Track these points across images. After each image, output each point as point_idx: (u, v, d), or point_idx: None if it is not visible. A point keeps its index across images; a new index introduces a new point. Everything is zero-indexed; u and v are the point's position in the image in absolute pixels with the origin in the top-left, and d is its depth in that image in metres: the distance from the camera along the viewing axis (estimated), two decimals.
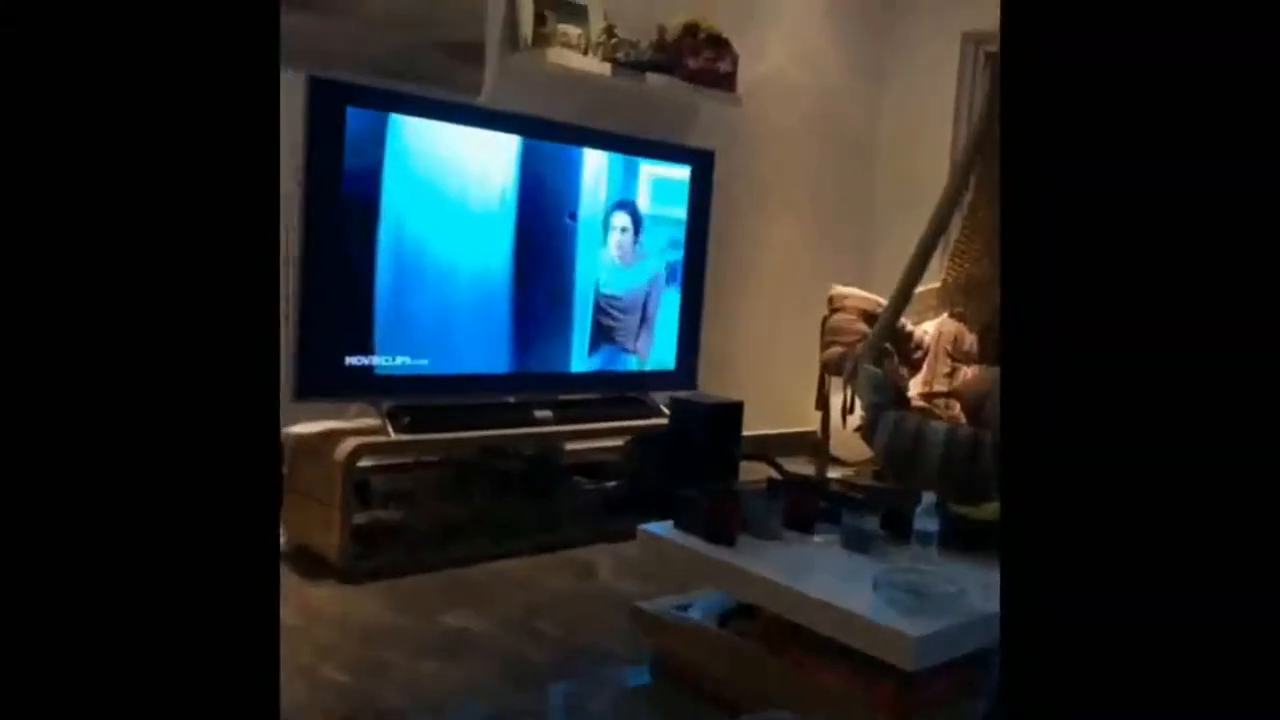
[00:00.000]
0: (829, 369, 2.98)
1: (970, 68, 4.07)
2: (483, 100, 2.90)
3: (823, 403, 3.08)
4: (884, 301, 2.95)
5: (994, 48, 3.61)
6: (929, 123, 4.11)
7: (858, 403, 2.75)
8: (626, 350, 3.12)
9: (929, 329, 3.05)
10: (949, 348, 3.00)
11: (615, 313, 3.08)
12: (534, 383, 2.90)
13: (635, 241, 3.10)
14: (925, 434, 2.46)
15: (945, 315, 3.06)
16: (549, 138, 2.87)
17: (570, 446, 3.00)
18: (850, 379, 2.77)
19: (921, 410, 2.80)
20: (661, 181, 3.16)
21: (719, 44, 3.43)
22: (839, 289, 3.13)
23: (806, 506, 2.04)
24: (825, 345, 3.03)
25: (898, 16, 4.21)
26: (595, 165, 2.97)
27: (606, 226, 3.02)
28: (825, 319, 3.08)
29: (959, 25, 3.99)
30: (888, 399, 2.66)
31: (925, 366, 3.01)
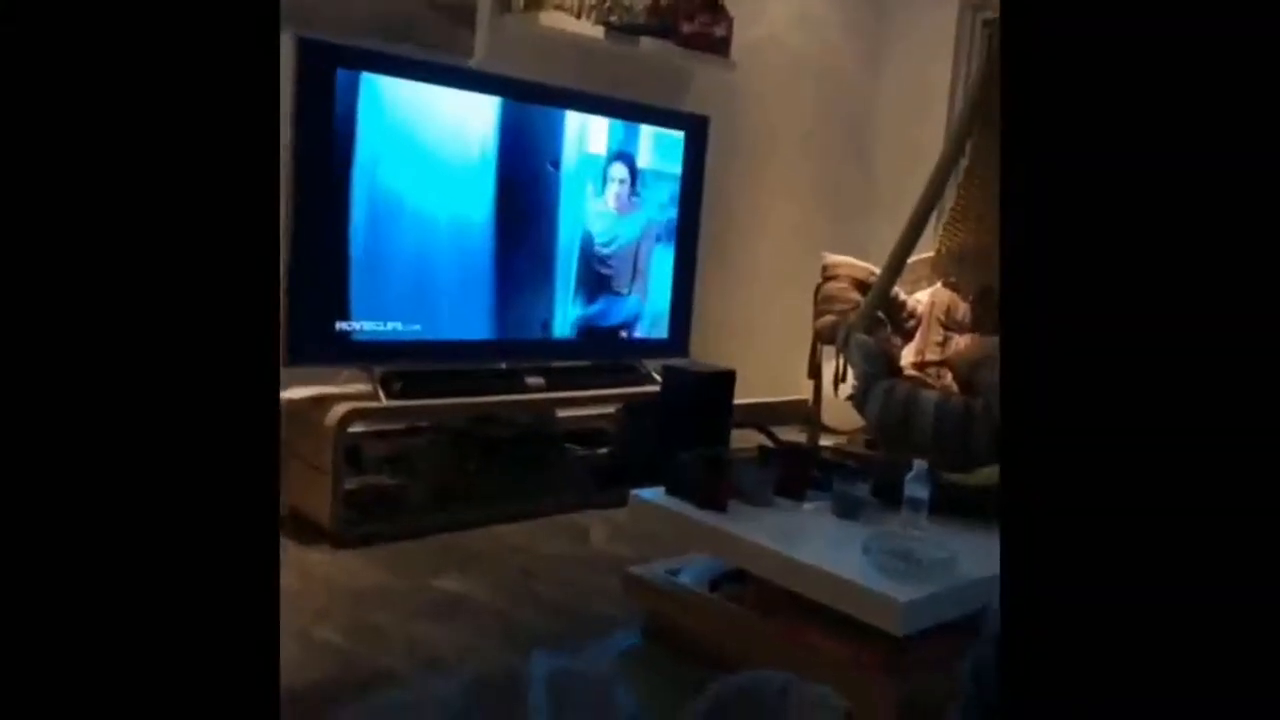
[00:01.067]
0: (821, 337, 2.98)
1: (968, 35, 4.03)
2: (475, 63, 2.87)
3: (815, 371, 3.09)
4: (877, 270, 2.95)
5: (992, 15, 3.58)
6: (926, 90, 4.09)
7: (850, 371, 2.76)
8: (621, 295, 3.10)
9: (922, 298, 3.05)
10: (941, 317, 3.01)
11: (609, 263, 3.07)
12: (526, 349, 2.90)
13: (632, 193, 3.08)
14: (917, 403, 2.47)
15: (938, 284, 3.06)
16: (541, 101, 2.84)
17: (562, 413, 3.00)
18: (843, 348, 2.78)
19: (913, 379, 2.81)
20: (661, 136, 3.13)
21: (714, 8, 3.40)
22: (832, 257, 3.13)
23: (798, 474, 2.05)
24: (818, 314, 3.03)
25: None
26: (592, 124, 2.95)
27: (605, 177, 3.00)
28: (818, 287, 3.08)
29: None
30: (880, 368, 2.67)
31: (918, 335, 3.02)
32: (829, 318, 2.94)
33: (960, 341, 2.98)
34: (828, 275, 3.08)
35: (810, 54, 3.99)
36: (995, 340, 2.86)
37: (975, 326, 2.96)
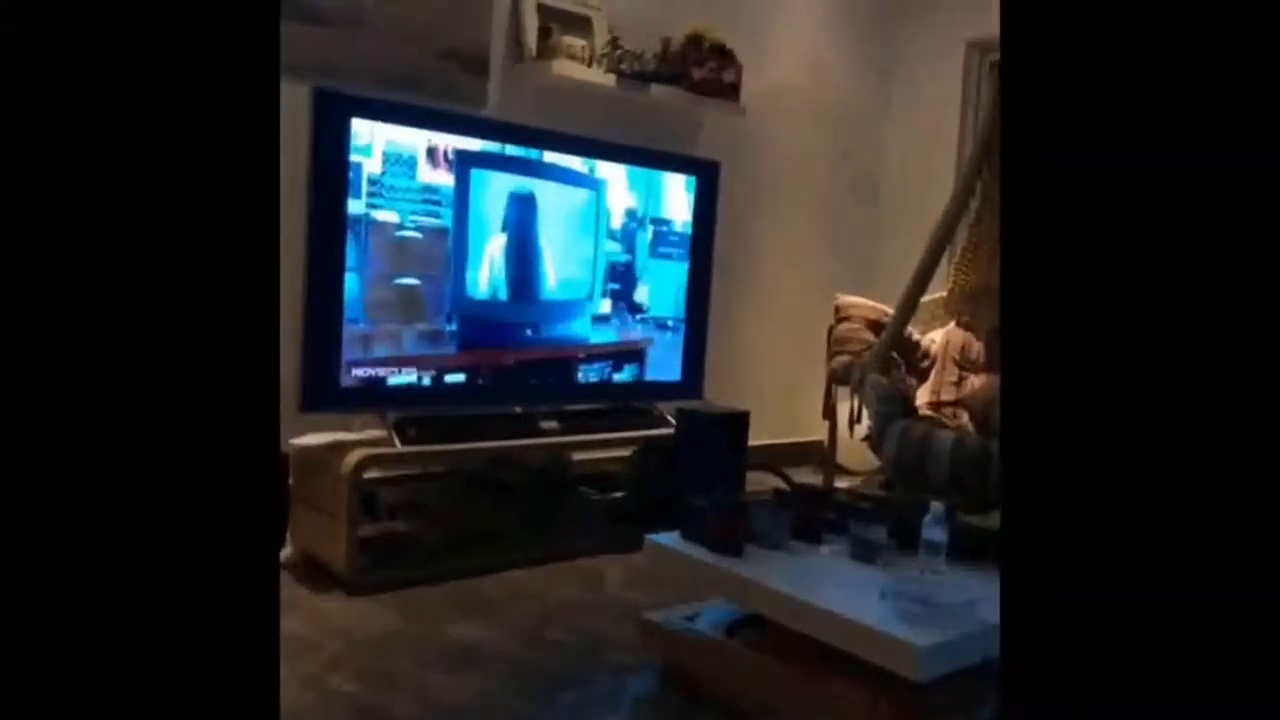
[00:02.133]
0: (836, 378, 2.98)
1: (975, 76, 4.07)
2: (488, 112, 2.92)
3: (829, 413, 3.08)
4: (890, 311, 2.95)
5: (996, 56, 3.61)
6: (934, 131, 4.12)
7: (865, 413, 2.75)
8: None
9: (936, 338, 3.05)
10: (956, 356, 3.00)
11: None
12: (540, 393, 2.90)
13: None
14: (932, 443, 2.46)
15: (952, 324, 3.06)
16: (554, 149, 2.87)
17: (577, 457, 3.00)
18: (857, 388, 2.77)
19: (929, 419, 2.79)
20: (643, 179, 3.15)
21: (723, 54, 3.45)
22: (845, 298, 3.13)
23: (813, 517, 2.03)
24: (832, 355, 3.03)
25: (901, 25, 4.22)
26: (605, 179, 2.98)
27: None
28: (832, 328, 3.08)
29: (964, 34, 4.00)
30: (895, 408, 2.66)
31: (932, 375, 3.01)
32: (843, 359, 2.94)
33: (975, 381, 2.96)
34: (841, 316, 3.08)
35: (819, 98, 4.03)
36: None
37: (989, 366, 2.95)
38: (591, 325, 2.98)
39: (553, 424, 2.83)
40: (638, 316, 3.09)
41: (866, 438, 2.70)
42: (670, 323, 3.19)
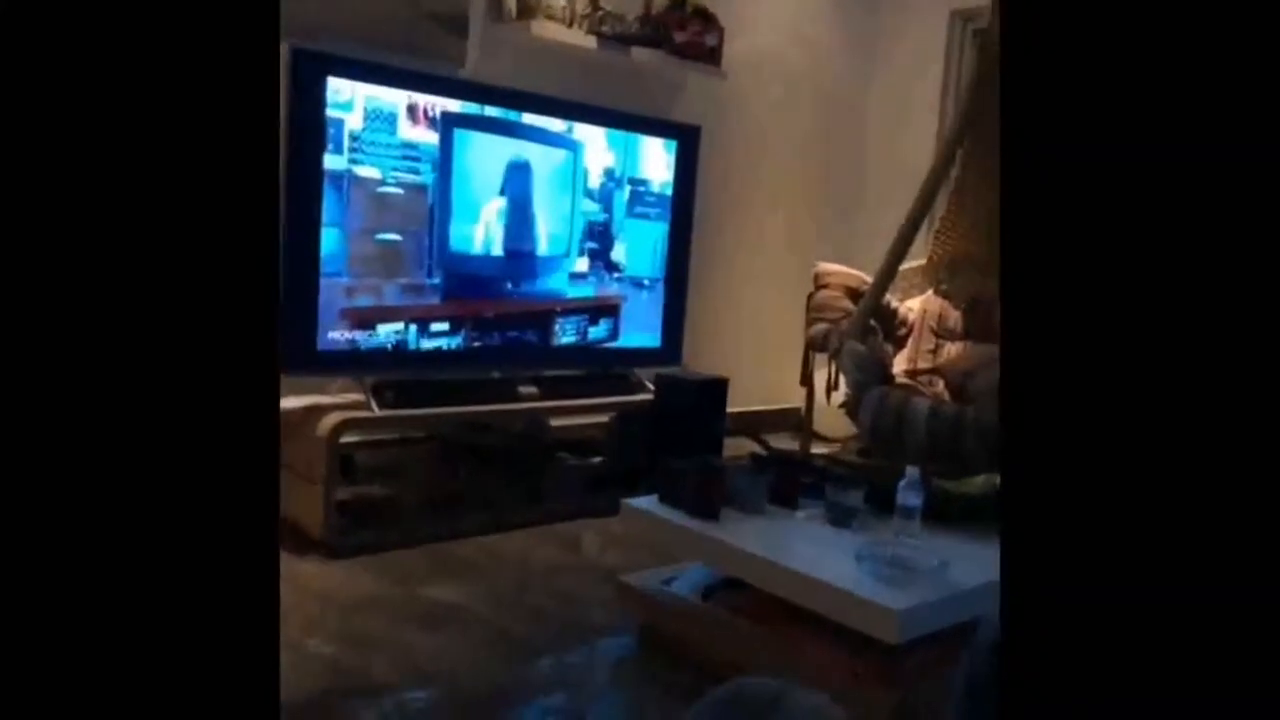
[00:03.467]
0: (814, 345, 2.98)
1: (958, 45, 4.06)
2: (466, 72, 2.87)
3: (807, 379, 3.09)
4: (869, 279, 2.96)
5: (982, 24, 3.59)
6: (917, 99, 4.11)
7: (842, 379, 2.76)
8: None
9: (914, 306, 3.06)
10: (933, 325, 3.02)
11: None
12: (519, 356, 2.90)
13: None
14: (909, 411, 2.48)
15: (930, 292, 3.07)
16: (533, 111, 2.84)
17: (555, 422, 3.00)
18: (835, 356, 2.78)
19: (905, 387, 2.81)
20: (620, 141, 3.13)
21: (705, 17, 3.41)
22: (824, 265, 3.13)
23: (791, 482, 2.05)
24: (810, 322, 3.03)
25: None
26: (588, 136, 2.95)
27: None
28: (810, 295, 3.08)
29: (948, 2, 3.98)
30: (872, 376, 2.67)
31: (909, 343, 3.02)
32: (821, 326, 2.95)
33: (952, 349, 2.98)
34: (820, 283, 3.08)
35: (801, 64, 4.00)
36: (987, 348, 2.87)
37: (967, 334, 2.97)
38: (569, 282, 2.98)
39: (531, 389, 2.83)
40: (614, 275, 3.09)
41: (844, 404, 2.72)
42: (646, 281, 3.20)
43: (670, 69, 3.39)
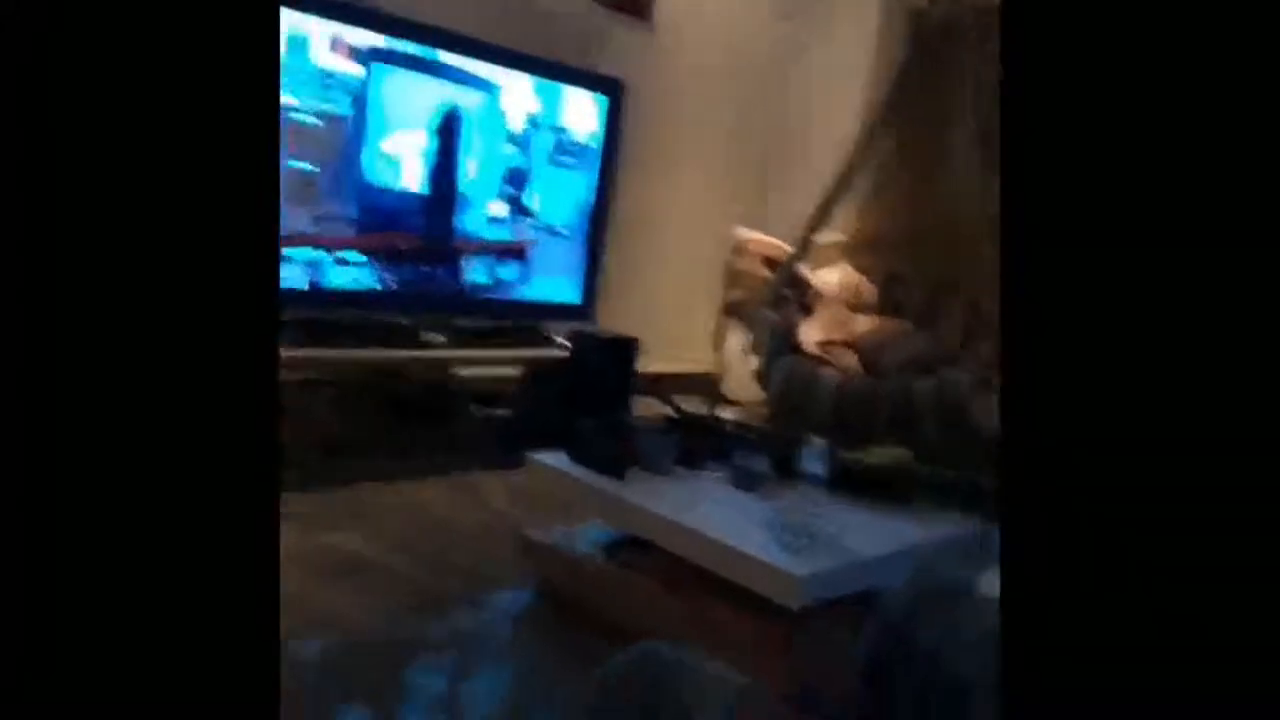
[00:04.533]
0: (729, 311, 3.00)
1: (891, 21, 4.07)
2: (384, 5, 2.75)
3: (720, 344, 3.10)
4: (788, 248, 2.97)
5: (916, 3, 3.60)
6: (845, 72, 4.11)
7: (754, 346, 2.78)
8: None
9: (830, 279, 3.09)
10: (848, 298, 3.05)
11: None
12: (432, 302, 2.83)
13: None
14: (818, 381, 2.50)
15: (846, 266, 3.10)
16: (455, 50, 2.75)
17: (465, 373, 2.94)
18: (749, 323, 2.80)
19: (817, 358, 2.84)
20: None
21: None
22: (744, 233, 3.13)
23: (700, 444, 2.05)
24: (727, 288, 3.04)
25: None
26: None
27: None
28: (729, 262, 3.08)
29: None
30: (784, 345, 2.69)
31: (825, 315, 3.06)
32: (738, 293, 2.96)
33: (864, 323, 3.03)
34: (739, 250, 3.08)
35: (732, 26, 3.97)
36: (899, 324, 2.93)
37: (880, 310, 3.02)
38: (485, 223, 2.92)
39: (439, 337, 2.76)
40: (530, 220, 3.05)
41: (755, 371, 2.73)
42: (563, 230, 3.16)
43: (597, 18, 3.32)
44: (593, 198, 3.22)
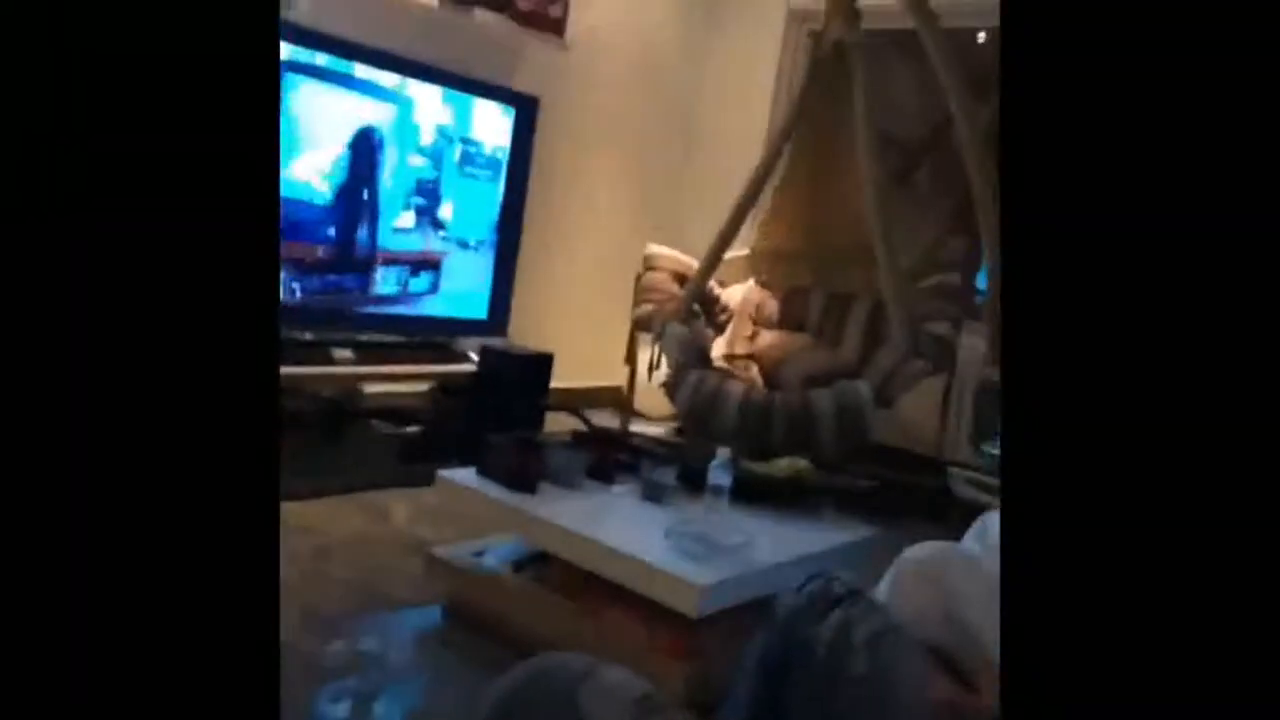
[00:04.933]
0: (639, 326, 3.03)
1: (793, 43, 4.19)
2: (297, 17, 2.72)
3: (630, 358, 3.14)
4: (696, 264, 3.03)
5: (817, 26, 3.72)
6: (750, 91, 4.22)
7: (664, 360, 2.82)
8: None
9: (735, 293, 3.16)
10: (752, 313, 3.13)
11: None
12: (340, 318, 2.79)
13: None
14: (723, 394, 2.56)
15: (751, 282, 3.18)
16: (370, 64, 2.73)
17: (371, 389, 2.91)
18: (659, 337, 2.84)
19: (722, 371, 2.90)
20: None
21: None
22: (655, 248, 3.18)
23: (608, 458, 2.08)
24: (637, 302, 3.08)
25: None
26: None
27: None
28: (639, 277, 3.12)
29: (786, 1, 4.11)
30: (692, 358, 2.74)
31: (729, 329, 3.12)
32: (648, 307, 3.00)
33: (768, 337, 3.10)
34: (649, 265, 3.13)
35: (643, 46, 4.03)
36: (800, 338, 3.01)
37: (782, 324, 3.10)
38: (393, 234, 2.91)
39: (346, 353, 2.73)
40: (440, 232, 3.05)
41: (664, 384, 2.77)
42: (472, 242, 3.16)
43: (512, 35, 3.34)
44: (504, 214, 3.23)
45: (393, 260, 2.93)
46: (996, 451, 2.41)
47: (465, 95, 3.03)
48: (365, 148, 2.77)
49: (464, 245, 3.14)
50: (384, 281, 2.92)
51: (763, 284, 3.16)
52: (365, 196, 2.81)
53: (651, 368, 2.98)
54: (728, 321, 3.13)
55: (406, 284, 2.99)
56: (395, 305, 2.97)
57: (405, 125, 2.88)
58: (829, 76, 2.97)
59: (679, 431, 2.88)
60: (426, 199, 2.99)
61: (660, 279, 3.08)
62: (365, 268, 2.86)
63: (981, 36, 3.73)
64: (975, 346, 2.89)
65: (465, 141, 3.06)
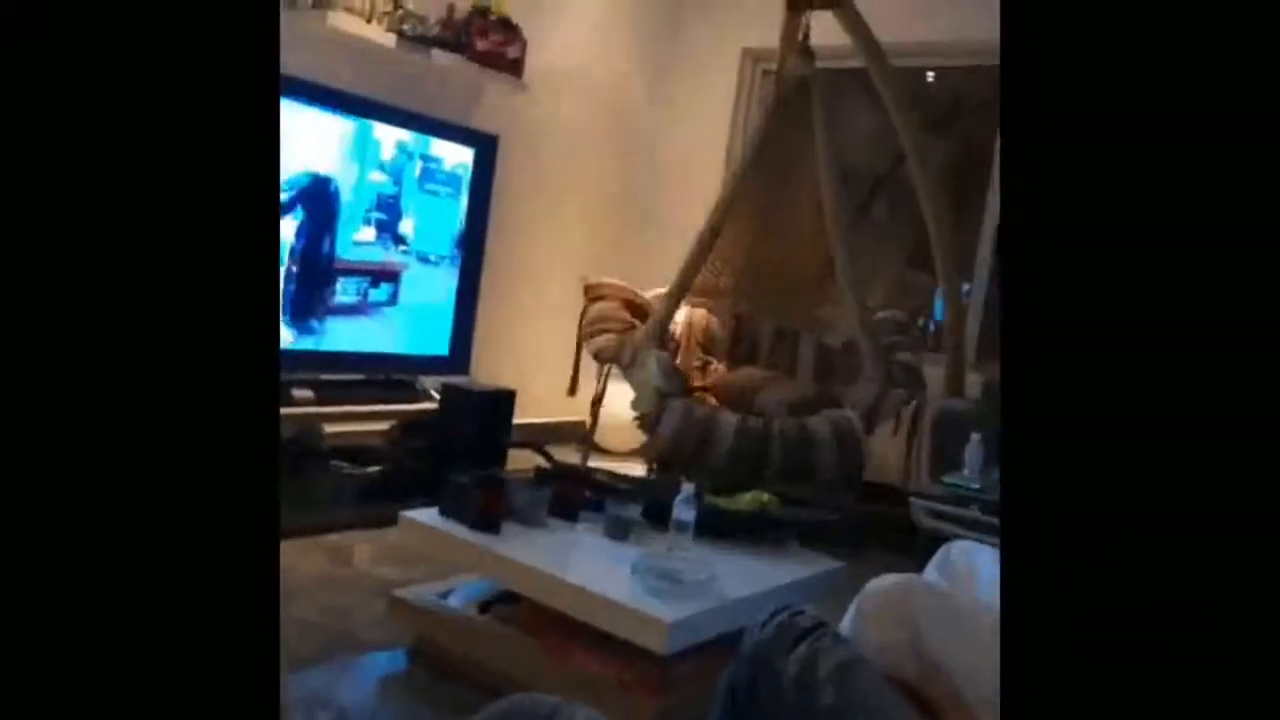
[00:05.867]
0: (602, 357, 3.00)
1: (748, 82, 4.27)
2: None
3: (574, 389, 3.12)
4: (640, 292, 3.03)
5: (771, 66, 3.80)
6: (708, 129, 4.28)
7: (634, 391, 2.80)
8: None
9: (678, 319, 3.16)
10: (700, 339, 3.14)
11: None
12: (293, 358, 2.76)
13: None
14: (716, 421, 2.51)
15: (690, 308, 3.18)
16: (331, 108, 2.74)
17: (332, 429, 2.88)
18: (628, 366, 2.81)
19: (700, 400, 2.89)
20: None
21: (508, 27, 3.41)
22: (595, 278, 3.18)
23: (572, 495, 2.07)
24: (590, 333, 3.03)
25: (684, 24, 4.35)
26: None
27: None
28: (585, 308, 3.11)
29: (740, 41, 4.19)
30: (677, 386, 2.70)
31: (679, 357, 3.12)
32: (608, 337, 2.98)
33: (719, 367, 3.11)
34: (595, 295, 3.10)
35: (599, 83, 4.08)
36: (753, 369, 3.02)
37: (730, 352, 3.10)
38: (352, 246, 2.93)
39: (306, 394, 2.70)
40: (400, 248, 3.05)
41: (638, 416, 2.74)
42: (433, 257, 3.16)
43: (470, 75, 3.36)
44: (465, 254, 3.23)
45: (351, 271, 2.92)
46: (957, 482, 2.44)
47: (427, 137, 3.04)
48: (318, 195, 2.77)
49: (424, 260, 3.14)
50: (343, 290, 2.91)
51: (709, 310, 3.17)
52: (325, 249, 2.82)
53: (598, 400, 2.96)
54: (676, 350, 3.14)
55: (366, 294, 2.97)
56: (355, 315, 2.95)
57: (365, 140, 2.89)
58: (788, 112, 3.03)
59: (658, 464, 2.86)
60: (387, 214, 2.99)
61: (612, 308, 3.06)
62: (327, 278, 2.86)
63: (930, 76, 3.83)
64: (933, 377, 2.94)
65: (425, 158, 3.07)
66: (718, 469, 2.35)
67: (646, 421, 2.72)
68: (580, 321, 3.08)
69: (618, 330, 2.98)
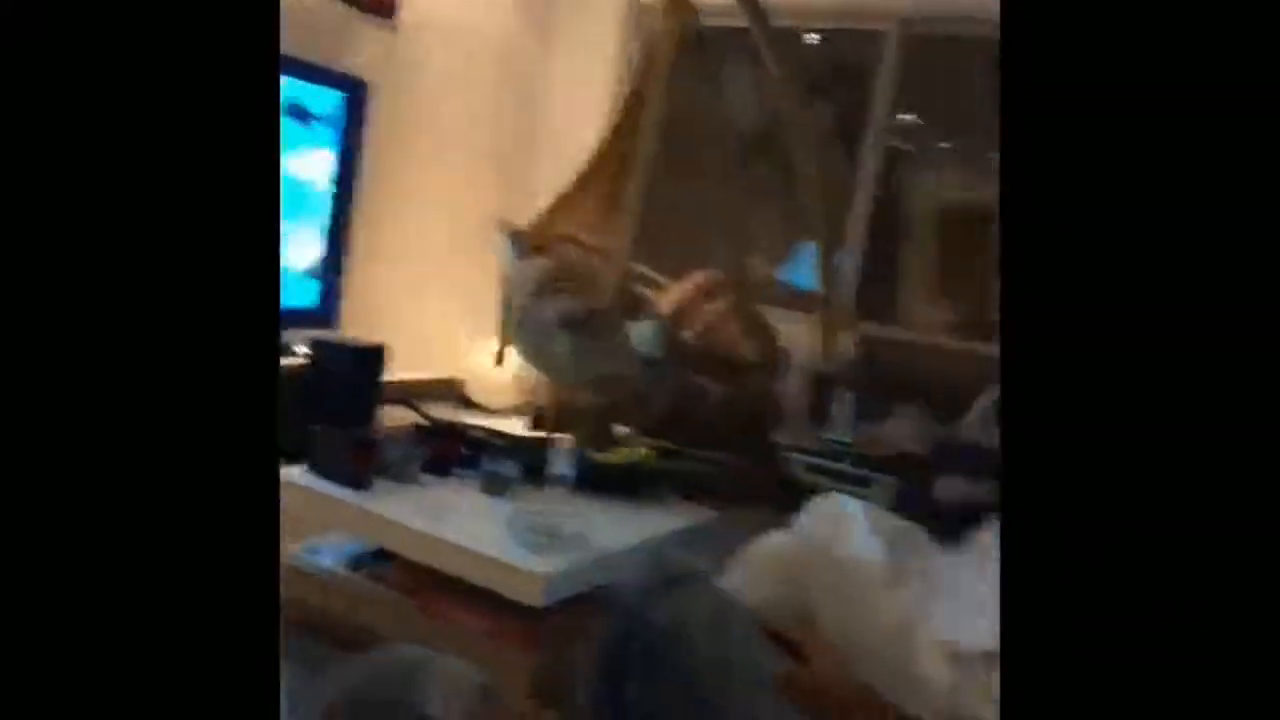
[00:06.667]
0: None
1: (633, 19, 4.21)
2: None
3: (502, 358, 3.02)
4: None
5: (653, 3, 3.74)
6: (591, 69, 4.21)
7: (511, 351, 2.71)
8: None
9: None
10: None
11: None
12: None
13: None
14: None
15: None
16: None
17: None
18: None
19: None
20: None
21: None
22: (518, 224, 2.95)
23: (447, 452, 2.03)
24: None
25: None
26: None
27: None
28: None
29: None
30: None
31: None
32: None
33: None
34: (538, 245, 2.79)
35: (480, 27, 3.96)
36: None
37: None
38: None
39: None
40: None
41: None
42: (303, 232, 3.02)
43: (339, 14, 3.20)
44: (335, 204, 3.10)
45: None
46: (833, 437, 2.50)
47: (293, 79, 2.88)
48: None
49: (292, 234, 2.99)
50: None
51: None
52: None
53: (499, 358, 2.86)
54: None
55: None
56: None
57: None
58: (672, 69, 2.99)
59: (536, 422, 2.73)
60: None
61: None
62: None
63: (813, 38, 3.87)
64: (799, 336, 2.96)
65: (289, 104, 2.91)
66: (709, 440, 2.20)
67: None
68: (505, 276, 2.79)
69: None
